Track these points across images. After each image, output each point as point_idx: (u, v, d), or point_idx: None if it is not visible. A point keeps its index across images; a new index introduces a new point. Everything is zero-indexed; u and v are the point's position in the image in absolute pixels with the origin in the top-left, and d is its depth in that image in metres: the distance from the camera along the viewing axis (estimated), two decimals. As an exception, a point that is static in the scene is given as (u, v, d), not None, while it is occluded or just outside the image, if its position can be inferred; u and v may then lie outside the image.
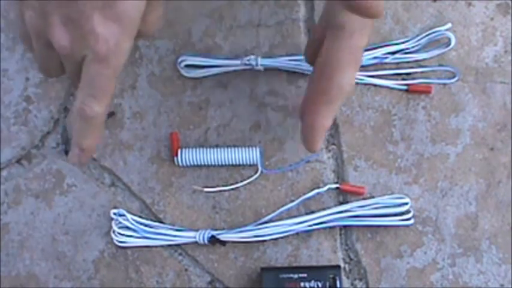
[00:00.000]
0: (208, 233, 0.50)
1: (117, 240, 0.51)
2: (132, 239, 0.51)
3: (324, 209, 0.51)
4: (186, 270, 0.52)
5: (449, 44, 0.52)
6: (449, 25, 0.53)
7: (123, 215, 0.51)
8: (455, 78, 0.53)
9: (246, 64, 0.53)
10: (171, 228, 0.51)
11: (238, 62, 0.53)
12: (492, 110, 0.53)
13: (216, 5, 0.55)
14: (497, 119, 0.52)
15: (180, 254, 0.52)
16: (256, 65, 0.52)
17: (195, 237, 0.50)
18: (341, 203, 0.51)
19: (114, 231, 0.51)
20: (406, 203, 0.50)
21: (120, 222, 0.51)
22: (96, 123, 0.39)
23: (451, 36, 0.52)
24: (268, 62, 0.53)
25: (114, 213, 0.52)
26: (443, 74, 0.53)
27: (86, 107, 0.38)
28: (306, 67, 0.52)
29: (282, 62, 0.53)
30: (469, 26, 0.54)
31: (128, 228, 0.51)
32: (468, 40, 0.53)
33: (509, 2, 0.54)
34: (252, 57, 0.53)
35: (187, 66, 0.54)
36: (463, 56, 0.53)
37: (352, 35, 0.42)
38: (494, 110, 0.53)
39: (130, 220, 0.51)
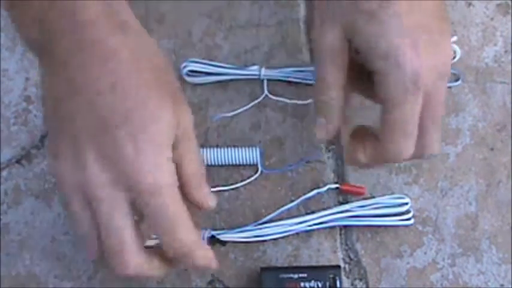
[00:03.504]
0: (209, 232, 0.50)
1: None
2: None
3: (324, 209, 0.51)
4: (186, 270, 0.52)
5: (455, 57, 0.52)
6: (454, 38, 0.52)
7: None
8: (459, 82, 0.53)
9: (249, 75, 0.53)
10: None
11: (241, 71, 0.53)
12: (492, 110, 0.53)
13: (216, 5, 0.55)
14: (497, 119, 0.52)
15: (180, 254, 0.52)
16: (259, 76, 0.53)
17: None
18: (341, 203, 0.51)
19: None
20: (406, 203, 0.50)
21: None
22: None
23: (456, 49, 0.52)
24: (272, 73, 0.53)
25: None
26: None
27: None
28: (311, 79, 0.52)
29: (286, 73, 0.53)
30: (469, 26, 0.54)
31: None
32: (468, 40, 0.53)
33: (509, 2, 0.54)
34: (256, 67, 0.53)
35: (190, 71, 0.54)
36: (463, 56, 0.53)
37: None
38: (494, 110, 0.53)
39: None
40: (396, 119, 0.38)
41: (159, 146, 0.36)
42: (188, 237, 0.37)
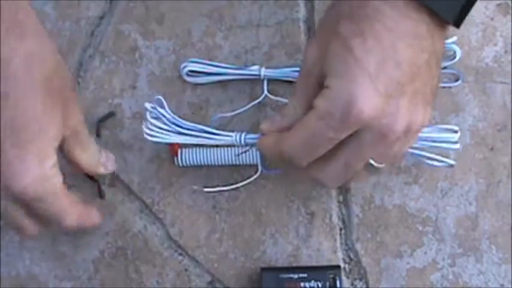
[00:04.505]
0: (245, 135, 0.47)
1: (147, 134, 0.47)
2: (164, 136, 0.48)
3: None
4: (186, 270, 0.52)
5: (455, 57, 0.52)
6: (454, 38, 0.52)
7: (155, 109, 0.47)
8: (459, 82, 0.53)
9: (249, 74, 0.53)
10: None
11: (241, 71, 0.53)
12: (492, 110, 0.53)
13: (216, 5, 0.55)
14: (497, 119, 0.52)
15: (180, 254, 0.52)
16: (259, 75, 0.53)
17: (231, 136, 0.47)
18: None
19: (146, 123, 0.47)
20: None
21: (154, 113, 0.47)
22: None
23: (456, 49, 0.52)
24: (272, 73, 0.53)
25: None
26: (445, 76, 0.53)
27: None
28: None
29: (286, 73, 0.53)
30: (469, 26, 0.54)
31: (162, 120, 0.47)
32: (468, 40, 0.53)
33: (509, 2, 0.54)
34: (256, 67, 0.53)
35: (190, 71, 0.54)
36: (463, 56, 0.53)
37: None
38: (494, 110, 0.53)
39: (166, 113, 0.47)
40: (306, 127, 0.38)
41: (43, 159, 0.38)
42: (73, 223, 0.43)
